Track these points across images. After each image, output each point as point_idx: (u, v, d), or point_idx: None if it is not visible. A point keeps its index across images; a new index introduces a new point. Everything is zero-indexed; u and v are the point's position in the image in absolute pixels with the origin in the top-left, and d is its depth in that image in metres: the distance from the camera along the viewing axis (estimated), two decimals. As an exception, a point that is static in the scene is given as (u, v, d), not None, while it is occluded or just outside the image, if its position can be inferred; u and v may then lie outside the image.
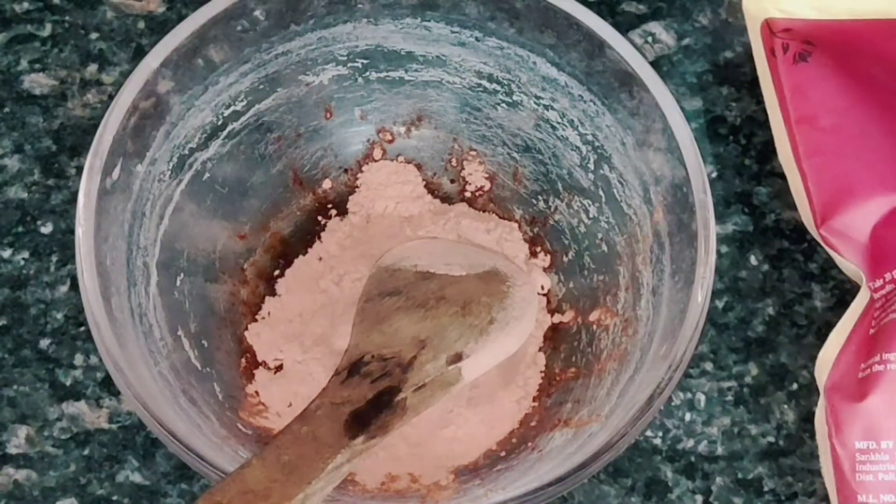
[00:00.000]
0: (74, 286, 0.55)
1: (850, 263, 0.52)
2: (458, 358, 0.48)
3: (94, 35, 0.60)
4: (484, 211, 0.56)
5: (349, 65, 0.53)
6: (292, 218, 0.55)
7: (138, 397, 0.44)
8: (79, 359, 0.54)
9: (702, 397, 0.54)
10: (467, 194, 0.56)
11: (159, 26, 0.60)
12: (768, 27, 0.56)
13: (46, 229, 0.56)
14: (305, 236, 0.55)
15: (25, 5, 0.60)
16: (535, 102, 0.53)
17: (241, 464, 0.43)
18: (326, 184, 0.56)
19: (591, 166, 0.52)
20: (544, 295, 0.54)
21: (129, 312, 0.47)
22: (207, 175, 0.52)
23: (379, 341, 0.49)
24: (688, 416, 0.54)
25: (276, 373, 0.52)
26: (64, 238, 0.56)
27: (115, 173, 0.48)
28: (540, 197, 0.55)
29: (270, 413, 0.51)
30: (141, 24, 0.60)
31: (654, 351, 0.47)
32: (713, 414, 0.54)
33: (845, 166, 0.53)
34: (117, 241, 0.48)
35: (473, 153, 0.56)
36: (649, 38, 0.60)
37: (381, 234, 0.55)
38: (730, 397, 0.54)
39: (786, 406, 0.54)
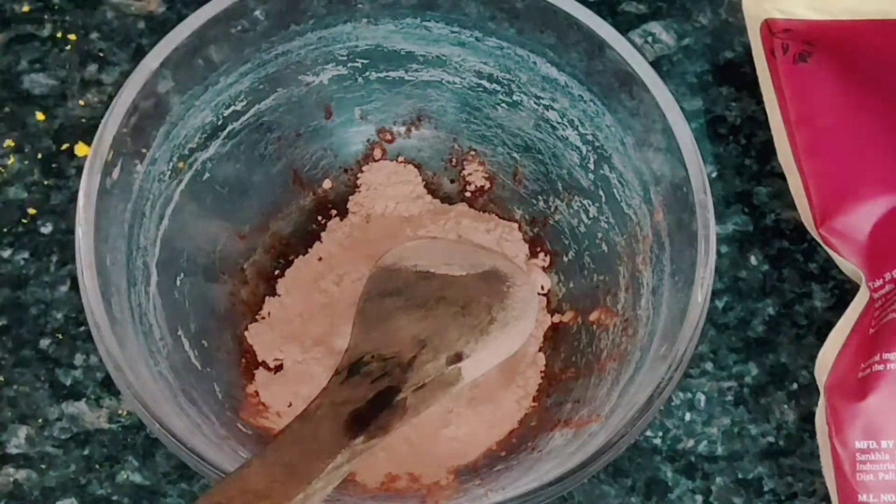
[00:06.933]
0: (74, 286, 0.55)
1: (849, 263, 0.52)
2: (458, 358, 0.48)
3: (94, 35, 0.60)
4: (484, 211, 0.56)
5: (349, 65, 0.53)
6: (292, 218, 0.55)
7: (138, 397, 0.44)
8: (79, 359, 0.54)
9: (702, 397, 0.54)
10: (467, 194, 0.56)
11: (159, 26, 0.60)
12: (768, 27, 0.56)
13: (46, 229, 0.56)
14: (305, 236, 0.55)
15: (25, 5, 0.60)
16: (535, 102, 0.53)
17: (241, 464, 0.43)
18: (326, 184, 0.56)
19: (591, 166, 0.52)
20: (544, 295, 0.54)
21: (129, 312, 0.47)
22: (207, 175, 0.52)
23: (379, 341, 0.49)
24: (688, 416, 0.54)
25: (276, 373, 0.52)
26: (64, 238, 0.56)
27: (115, 173, 0.47)
28: (540, 197, 0.55)
29: (270, 413, 0.51)
30: (141, 24, 0.60)
31: (654, 351, 0.47)
32: (713, 414, 0.54)
33: (845, 166, 0.53)
34: (117, 241, 0.48)
35: (473, 153, 0.56)
36: (649, 38, 0.60)
37: (381, 234, 0.55)
38: (730, 397, 0.54)
39: (786, 406, 0.54)
